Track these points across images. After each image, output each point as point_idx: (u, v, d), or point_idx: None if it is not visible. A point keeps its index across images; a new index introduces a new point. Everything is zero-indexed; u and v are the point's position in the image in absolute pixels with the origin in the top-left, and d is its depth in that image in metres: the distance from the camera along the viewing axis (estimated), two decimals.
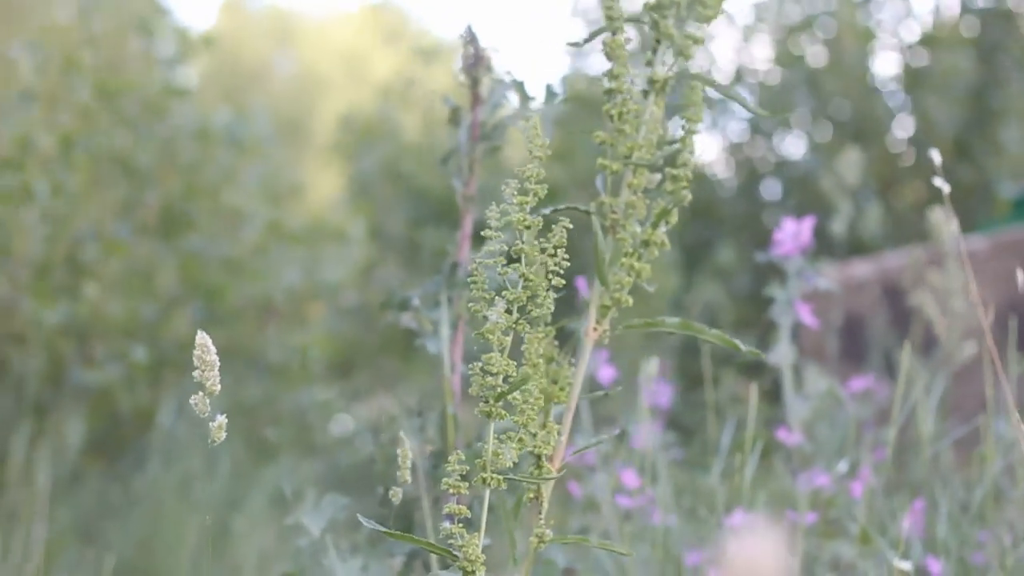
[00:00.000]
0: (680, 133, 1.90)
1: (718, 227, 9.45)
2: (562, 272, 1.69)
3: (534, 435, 1.74)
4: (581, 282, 2.65)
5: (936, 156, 2.27)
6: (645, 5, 1.92)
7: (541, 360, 1.80)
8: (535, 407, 1.70)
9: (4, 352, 5.53)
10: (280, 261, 6.01)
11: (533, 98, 2.31)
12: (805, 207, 9.02)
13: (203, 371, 1.59)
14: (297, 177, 7.18)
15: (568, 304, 1.95)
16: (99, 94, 5.92)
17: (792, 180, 9.18)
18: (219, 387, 1.61)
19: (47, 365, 5.41)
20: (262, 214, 6.18)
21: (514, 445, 1.67)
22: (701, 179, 9.30)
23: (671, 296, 8.10)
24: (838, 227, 5.22)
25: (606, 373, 3.05)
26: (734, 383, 5.45)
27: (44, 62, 5.92)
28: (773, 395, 3.47)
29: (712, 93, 3.60)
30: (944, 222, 4.06)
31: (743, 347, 1.88)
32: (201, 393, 1.58)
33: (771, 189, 9.61)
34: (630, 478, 2.86)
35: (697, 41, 1.90)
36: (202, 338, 1.59)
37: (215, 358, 1.59)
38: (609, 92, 1.87)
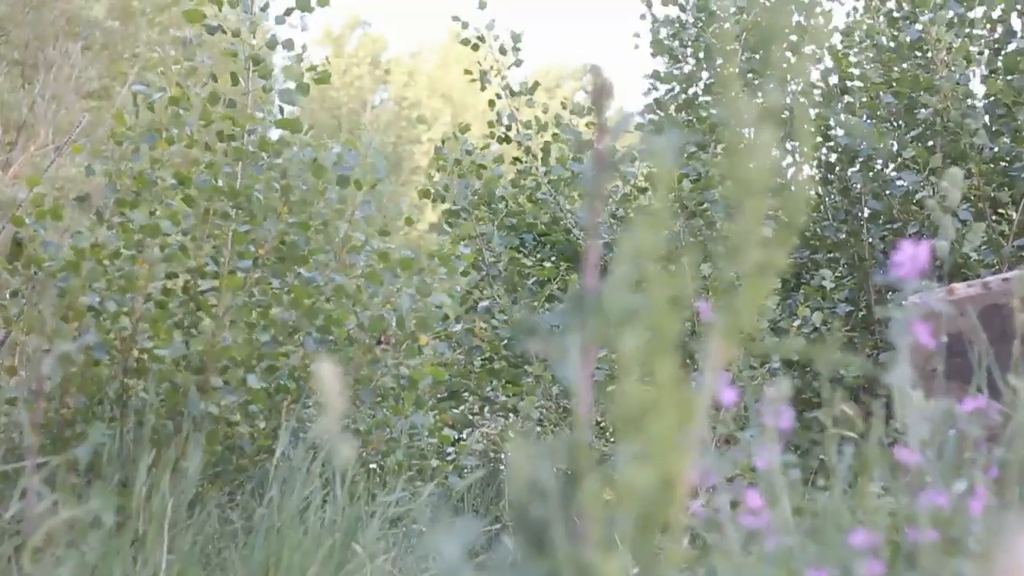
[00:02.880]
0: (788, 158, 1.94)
1: (815, 249, 9.45)
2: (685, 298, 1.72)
3: (665, 457, 1.77)
4: (704, 306, 2.68)
5: None
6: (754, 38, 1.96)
7: (670, 383, 1.83)
8: (666, 430, 1.73)
9: (125, 383, 5.64)
10: (390, 290, 6.08)
11: (654, 129, 2.35)
12: (906, 228, 9.00)
13: (325, 398, 1.62)
14: (399, 208, 7.25)
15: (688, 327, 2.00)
16: (212, 130, 6.04)
17: (891, 200, 9.13)
18: (341, 414, 1.65)
19: (167, 396, 5.51)
20: (373, 244, 6.25)
21: (646, 468, 1.70)
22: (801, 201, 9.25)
23: (769, 319, 8.12)
24: (941, 247, 5.20)
25: (728, 395, 3.07)
26: (843, 404, 5.43)
27: (160, 100, 6.05)
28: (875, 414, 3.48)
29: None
30: None
31: (868, 370, 1.92)
32: (325, 419, 1.62)
33: (869, 210, 9.56)
34: (753, 498, 2.89)
35: (801, 74, 1.94)
36: (322, 368, 1.62)
37: (336, 386, 1.62)
38: (718, 122, 1.90)
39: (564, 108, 10.78)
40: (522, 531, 2.14)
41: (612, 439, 7.12)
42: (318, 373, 1.61)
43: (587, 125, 10.39)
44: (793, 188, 1.89)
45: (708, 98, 9.67)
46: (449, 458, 7.06)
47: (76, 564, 3.60)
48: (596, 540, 1.66)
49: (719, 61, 9.50)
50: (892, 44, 9.38)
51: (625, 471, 1.67)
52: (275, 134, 6.30)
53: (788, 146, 6.49)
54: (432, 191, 10.40)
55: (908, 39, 9.12)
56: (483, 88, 10.71)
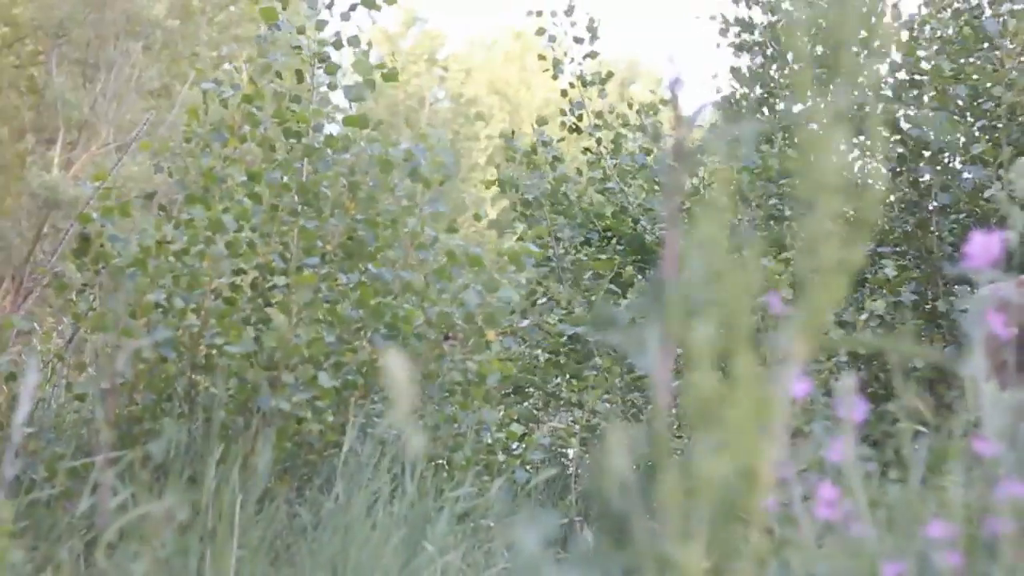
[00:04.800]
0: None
1: (880, 241, 9.39)
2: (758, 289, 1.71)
3: (745, 449, 1.76)
4: (774, 298, 2.67)
5: None
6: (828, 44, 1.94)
7: (748, 376, 1.83)
8: (745, 421, 1.72)
9: (192, 380, 5.67)
10: (458, 285, 6.08)
11: (731, 118, 2.34)
12: (973, 220, 8.94)
13: (395, 392, 1.61)
14: (461, 204, 7.26)
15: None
16: (281, 127, 6.07)
17: (960, 193, 9.06)
18: (410, 408, 1.64)
19: (237, 392, 5.53)
20: (441, 240, 6.26)
21: (725, 459, 1.69)
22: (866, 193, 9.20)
23: (835, 311, 8.08)
24: (1010, 238, 5.16)
25: (800, 387, 3.06)
26: (915, 396, 5.40)
27: (233, 97, 6.09)
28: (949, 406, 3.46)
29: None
30: None
31: (940, 362, 1.91)
32: (395, 412, 1.61)
33: (938, 203, 9.49)
34: (827, 490, 2.87)
35: (871, 69, 1.92)
36: (391, 361, 1.61)
37: (406, 379, 1.61)
38: (794, 122, 1.89)
39: (630, 108, 10.74)
40: (601, 524, 2.14)
41: (680, 432, 7.09)
42: (387, 366, 1.61)
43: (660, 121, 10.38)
44: (866, 185, 1.88)
45: (772, 94, 9.65)
46: (516, 453, 7.06)
47: (150, 559, 3.61)
48: (676, 532, 1.66)
49: (789, 57, 9.49)
50: (959, 37, 9.32)
51: (704, 463, 1.67)
52: (335, 130, 6.31)
53: (858, 140, 6.49)
54: (502, 182, 10.39)
55: (982, 32, 9.06)
56: (555, 77, 10.69)
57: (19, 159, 35.18)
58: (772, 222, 8.78)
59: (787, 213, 8.82)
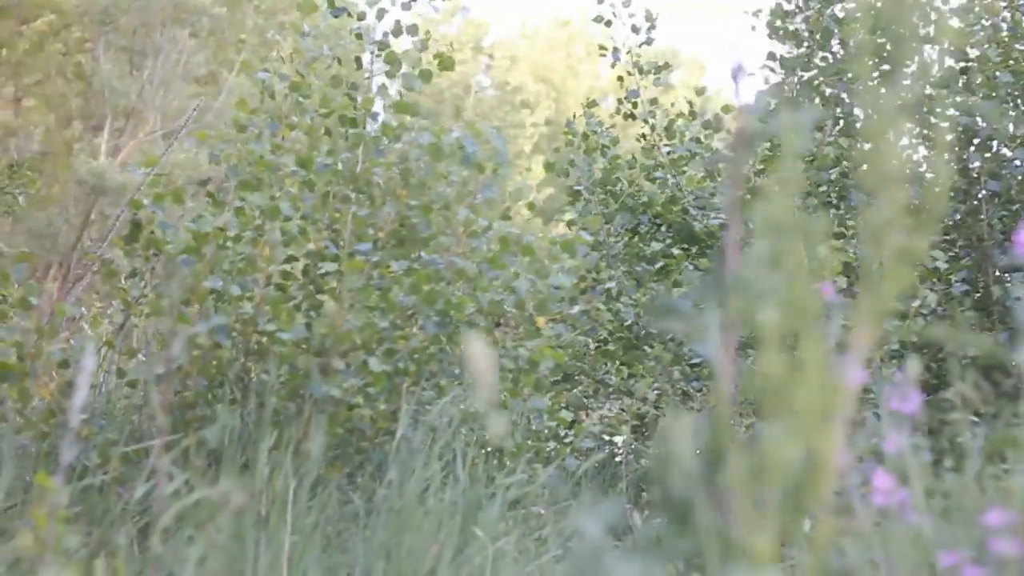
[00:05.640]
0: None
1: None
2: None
3: (812, 435, 1.75)
4: (826, 287, 2.66)
5: None
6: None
7: (815, 361, 1.82)
8: (813, 408, 1.71)
9: (246, 366, 5.68)
10: (509, 273, 6.08)
11: (791, 106, 2.33)
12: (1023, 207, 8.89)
13: (477, 377, 1.61)
14: (517, 191, 7.24)
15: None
16: (335, 115, 6.09)
17: (1010, 181, 9.01)
18: (495, 391, 1.63)
19: (289, 378, 5.54)
20: (494, 227, 6.26)
21: (794, 445, 1.69)
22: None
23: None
24: None
25: (858, 376, 3.05)
26: (970, 384, 5.38)
27: (272, 85, 6.11)
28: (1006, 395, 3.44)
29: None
30: None
31: (995, 350, 1.89)
32: (481, 397, 1.60)
33: (987, 191, 9.44)
34: (882, 479, 2.86)
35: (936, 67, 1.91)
36: (473, 345, 1.61)
37: (488, 363, 1.60)
38: (848, 110, 1.88)
39: (690, 106, 10.72)
40: (663, 510, 2.14)
41: (737, 419, 7.08)
42: (470, 352, 1.61)
43: (724, 108, 10.35)
44: (928, 174, 1.87)
45: (821, 79, 9.59)
46: (566, 441, 7.06)
47: (206, 544, 3.63)
48: (745, 518, 1.65)
49: (835, 44, 9.46)
50: (1009, 24, 9.27)
51: (773, 449, 1.66)
52: (381, 118, 6.33)
53: (916, 129, 6.44)
54: (557, 165, 10.39)
55: None
56: (613, 65, 10.69)
57: (66, 146, 35.36)
58: (825, 210, 8.74)
59: (835, 201, 8.79)
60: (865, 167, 1.87)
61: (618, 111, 10.74)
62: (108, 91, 33.13)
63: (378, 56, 6.31)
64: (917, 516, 2.80)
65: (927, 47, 7.36)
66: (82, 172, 31.30)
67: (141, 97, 33.46)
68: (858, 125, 8.84)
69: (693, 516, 2.29)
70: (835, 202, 8.76)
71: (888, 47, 1.82)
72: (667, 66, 10.87)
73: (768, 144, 9.02)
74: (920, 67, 1.90)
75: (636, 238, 10.01)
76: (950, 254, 8.82)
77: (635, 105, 10.57)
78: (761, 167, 9.38)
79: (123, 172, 31.56)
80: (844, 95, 9.00)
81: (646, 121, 10.47)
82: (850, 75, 9.12)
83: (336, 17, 6.47)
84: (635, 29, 10.69)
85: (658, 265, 9.61)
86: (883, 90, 1.90)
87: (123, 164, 32.90)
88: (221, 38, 35.43)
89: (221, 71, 35.59)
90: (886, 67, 1.84)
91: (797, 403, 1.67)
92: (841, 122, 9.03)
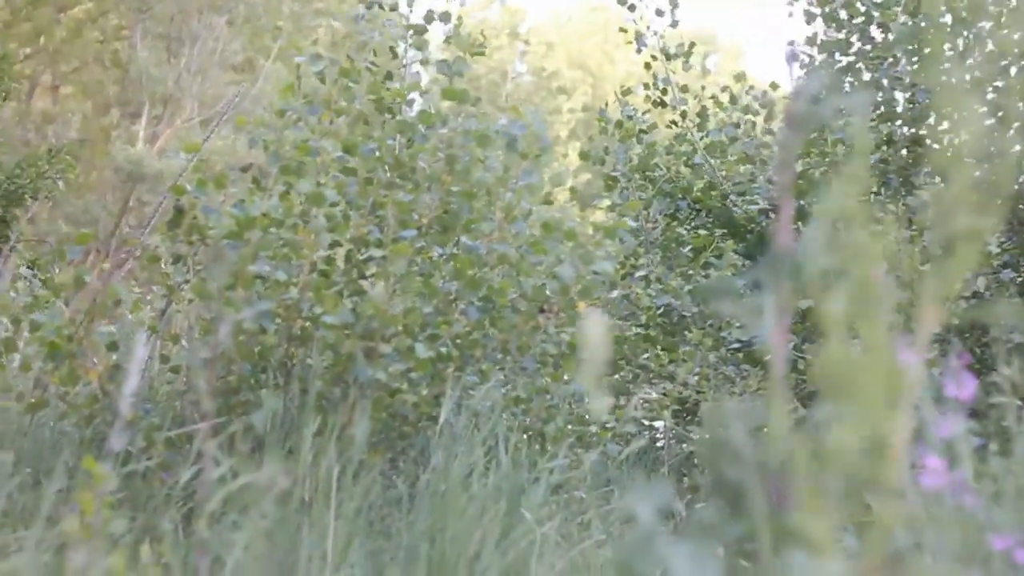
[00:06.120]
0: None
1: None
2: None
3: (876, 419, 1.74)
4: (878, 270, 2.65)
5: None
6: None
7: (879, 345, 1.81)
8: (875, 391, 1.71)
9: (290, 351, 5.69)
10: (552, 258, 6.08)
11: (845, 89, 2.32)
12: None
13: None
14: (557, 176, 7.23)
15: None
16: (374, 102, 6.11)
17: None
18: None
19: (332, 363, 5.55)
20: (536, 213, 6.27)
21: (854, 430, 1.68)
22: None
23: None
24: None
25: (911, 358, 3.04)
26: (1017, 369, 5.35)
27: (324, 71, 6.13)
28: None
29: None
30: None
31: None
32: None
33: None
34: (933, 462, 2.86)
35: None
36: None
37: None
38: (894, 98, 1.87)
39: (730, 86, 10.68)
40: (716, 494, 2.13)
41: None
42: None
43: (771, 85, 10.31)
44: (997, 153, 1.86)
45: (861, 64, 9.55)
46: (608, 425, 7.06)
47: (252, 529, 3.64)
48: (800, 502, 1.65)
49: (874, 31, 9.42)
50: None
51: (834, 432, 1.66)
52: (423, 104, 6.35)
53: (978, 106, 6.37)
54: (592, 153, 10.37)
55: None
56: (639, 50, 10.64)
57: (104, 133, 35.57)
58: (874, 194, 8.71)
59: (877, 187, 8.76)
60: (935, 145, 1.86)
61: (647, 99, 10.68)
62: (145, 78, 33.31)
63: (411, 45, 6.34)
64: (969, 499, 2.80)
65: (982, 24, 7.35)
66: (119, 159, 31.49)
67: (178, 84, 33.61)
68: (898, 110, 8.81)
69: (746, 501, 2.29)
70: (876, 187, 8.73)
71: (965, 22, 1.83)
72: (693, 47, 10.78)
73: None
74: (999, 44, 1.90)
75: (674, 223, 10.00)
76: (999, 241, 8.77)
77: (664, 92, 10.53)
78: (805, 151, 9.34)
79: (160, 159, 31.72)
80: (884, 80, 8.96)
81: (675, 108, 10.43)
82: (889, 60, 9.09)
83: (368, 9, 6.50)
84: (659, 12, 10.63)
85: (688, 248, 9.59)
86: (951, 67, 1.89)
87: (160, 151, 33.07)
88: (257, 25, 35.54)
89: (257, 58, 35.72)
90: (953, 45, 1.85)
91: (860, 387, 1.66)
92: (882, 107, 8.98)
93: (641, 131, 10.41)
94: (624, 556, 2.33)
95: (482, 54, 6.42)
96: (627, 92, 10.81)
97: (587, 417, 6.60)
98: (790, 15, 10.70)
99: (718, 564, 1.88)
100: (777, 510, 1.67)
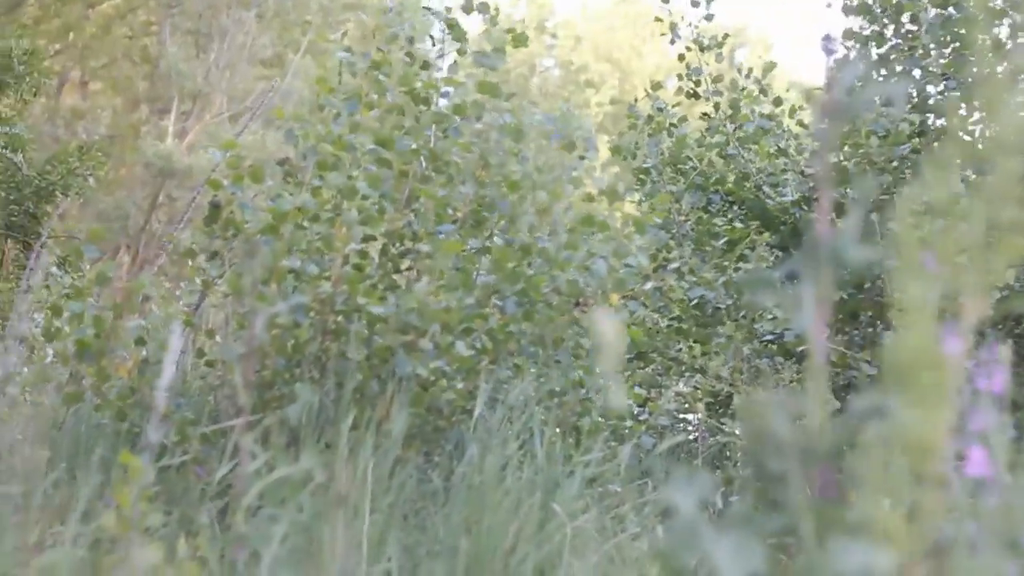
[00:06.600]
0: None
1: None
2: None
3: (928, 410, 1.74)
4: (928, 258, 2.63)
5: None
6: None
7: (923, 336, 1.81)
8: (923, 382, 1.70)
9: (324, 345, 5.69)
10: (585, 252, 6.07)
11: (885, 79, 2.31)
12: None
13: (604, 348, 1.59)
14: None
15: None
16: (408, 94, 6.12)
17: None
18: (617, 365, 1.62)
19: (377, 353, 5.55)
20: (573, 207, 6.27)
21: (912, 419, 1.67)
22: None
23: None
24: None
25: (955, 348, 3.02)
26: None
27: (358, 65, 6.14)
28: None
29: None
30: None
31: None
32: (604, 367, 1.60)
33: None
34: (977, 451, 2.85)
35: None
36: (598, 316, 1.60)
37: (616, 335, 1.59)
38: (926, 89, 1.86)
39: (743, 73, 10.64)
40: (759, 485, 2.13)
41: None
42: (595, 323, 1.60)
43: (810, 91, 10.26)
44: None
45: (894, 55, 9.51)
46: (641, 419, 7.06)
47: (290, 523, 3.65)
48: (868, 492, 1.64)
49: (905, 20, 9.38)
50: None
51: (894, 423, 1.65)
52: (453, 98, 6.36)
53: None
54: (623, 148, 10.36)
55: None
56: (673, 42, 10.61)
57: (133, 129, 35.66)
58: (900, 186, 8.67)
59: (909, 177, 8.72)
60: (982, 137, 1.85)
61: (680, 90, 10.66)
62: (174, 74, 33.38)
63: (448, 34, 6.35)
64: (1012, 490, 2.79)
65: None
66: (149, 155, 31.57)
67: (207, 79, 33.67)
68: (930, 102, 8.77)
69: (788, 492, 2.29)
70: (908, 178, 8.69)
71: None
72: (727, 38, 10.75)
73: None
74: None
75: (706, 216, 9.98)
76: None
77: (698, 83, 10.50)
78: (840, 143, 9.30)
79: (190, 154, 31.80)
80: (916, 71, 8.92)
81: (708, 99, 10.40)
82: (920, 52, 9.06)
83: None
84: (694, 3, 10.59)
85: (722, 240, 9.56)
86: (986, 58, 1.88)
87: (190, 147, 33.14)
88: (286, 19, 35.60)
89: (286, 52, 35.76)
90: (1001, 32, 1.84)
91: (909, 377, 1.66)
92: (914, 98, 8.95)
93: (671, 124, 10.39)
94: (666, 547, 2.33)
95: (525, 44, 6.42)
96: (657, 87, 10.80)
97: (616, 410, 6.59)
98: (828, 6, 10.64)
99: (761, 555, 1.88)
100: (822, 500, 1.67)
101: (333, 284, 5.60)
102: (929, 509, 1.72)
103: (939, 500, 1.72)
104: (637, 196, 10.33)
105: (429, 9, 6.46)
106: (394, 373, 5.40)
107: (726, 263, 9.16)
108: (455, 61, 6.42)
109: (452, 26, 6.34)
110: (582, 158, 6.28)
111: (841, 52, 9.87)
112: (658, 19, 10.76)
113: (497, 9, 6.52)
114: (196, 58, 34.45)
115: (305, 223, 5.59)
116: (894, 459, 1.67)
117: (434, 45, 6.42)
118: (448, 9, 6.44)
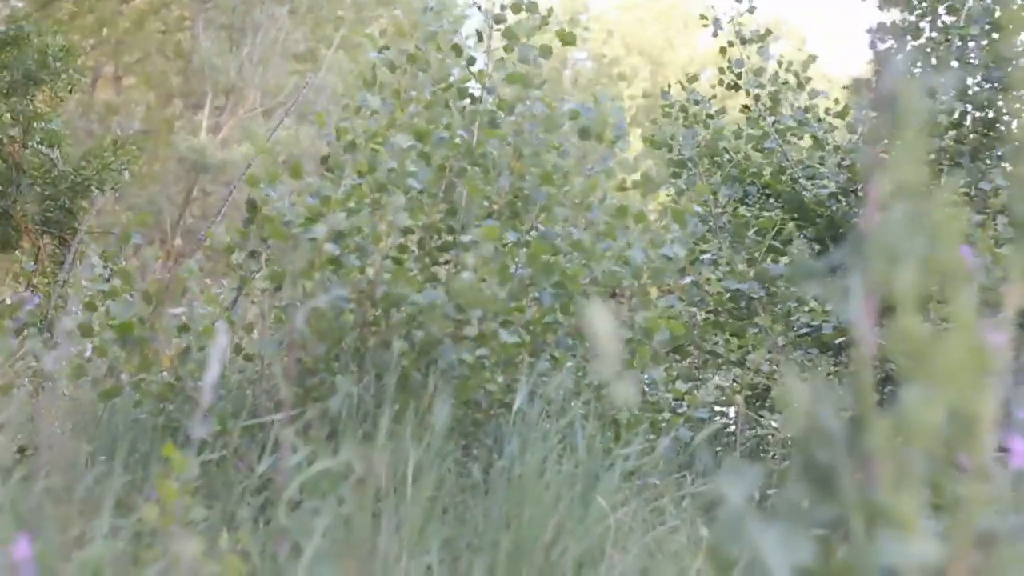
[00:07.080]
0: None
1: None
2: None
3: (959, 397, 1.73)
4: (965, 249, 2.63)
5: None
6: None
7: (963, 323, 1.80)
8: (960, 368, 1.69)
9: (363, 336, 5.70)
10: (622, 243, 6.06)
11: (937, 67, 2.31)
12: None
13: (600, 344, 1.59)
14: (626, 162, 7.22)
15: None
16: (449, 91, 6.14)
17: None
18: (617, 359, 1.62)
19: (417, 345, 5.56)
20: (609, 199, 6.27)
21: (938, 407, 1.67)
22: None
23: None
24: None
25: (998, 338, 3.01)
26: None
27: (392, 61, 6.16)
28: None
29: None
30: None
31: None
32: (602, 363, 1.59)
33: None
34: (1018, 443, 2.84)
35: None
36: (593, 311, 1.60)
37: (611, 330, 1.59)
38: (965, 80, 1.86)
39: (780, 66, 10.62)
40: (806, 476, 2.13)
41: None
42: (590, 318, 1.60)
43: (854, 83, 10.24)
44: None
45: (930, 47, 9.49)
46: (680, 411, 7.05)
47: (331, 516, 3.66)
48: (890, 482, 1.64)
49: (942, 12, 9.35)
50: None
51: (915, 411, 1.65)
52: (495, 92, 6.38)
53: None
54: (654, 140, 10.35)
55: None
56: (715, 34, 10.60)
57: (167, 124, 35.81)
58: (939, 176, 8.65)
59: (948, 167, 8.71)
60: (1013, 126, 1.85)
61: (721, 82, 10.66)
62: (208, 69, 33.51)
63: (496, 30, 6.37)
64: None
65: None
66: (183, 149, 31.69)
67: (240, 74, 33.78)
68: (970, 92, 8.76)
69: (836, 483, 2.28)
70: (947, 168, 8.68)
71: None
72: (769, 33, 10.74)
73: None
74: None
75: (743, 208, 9.97)
76: None
77: (739, 76, 10.49)
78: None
79: (224, 149, 31.90)
80: (955, 62, 8.90)
81: (748, 92, 10.39)
82: (958, 43, 9.03)
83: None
84: None
85: (756, 231, 9.53)
86: None
87: (223, 141, 33.25)
88: (319, 15, 35.68)
89: (319, 47, 35.85)
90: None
91: (946, 365, 1.65)
92: (952, 89, 8.92)
93: (708, 116, 10.38)
94: (714, 539, 2.33)
95: (573, 44, 6.46)
96: (693, 79, 10.79)
97: (661, 403, 6.59)
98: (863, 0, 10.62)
99: (810, 547, 1.88)
100: (869, 492, 1.67)
101: (373, 276, 5.61)
102: (973, 502, 1.72)
103: (982, 493, 1.71)
104: (673, 188, 10.31)
105: (480, 8, 6.48)
106: (435, 364, 5.41)
107: (756, 254, 9.13)
108: (502, 58, 6.44)
109: (500, 21, 6.36)
110: (613, 143, 6.28)
111: (884, 46, 9.86)
112: (702, 17, 10.76)
113: (550, 9, 6.54)
114: (229, 53, 34.57)
115: (343, 214, 5.60)
116: (936, 451, 1.67)
117: (480, 40, 6.44)
118: (502, 7, 6.46)
